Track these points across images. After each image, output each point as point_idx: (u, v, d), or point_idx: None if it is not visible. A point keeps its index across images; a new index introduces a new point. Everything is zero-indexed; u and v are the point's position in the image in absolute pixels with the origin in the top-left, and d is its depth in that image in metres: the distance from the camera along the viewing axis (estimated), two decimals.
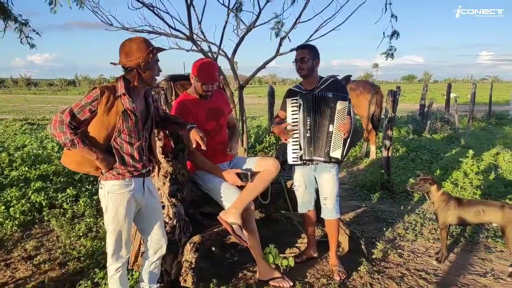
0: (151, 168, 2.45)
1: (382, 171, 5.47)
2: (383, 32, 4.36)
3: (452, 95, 13.88)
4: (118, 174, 2.19)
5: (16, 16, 5.47)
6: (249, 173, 2.88)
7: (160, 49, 2.24)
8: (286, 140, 3.09)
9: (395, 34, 4.30)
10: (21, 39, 5.62)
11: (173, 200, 2.79)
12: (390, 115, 5.46)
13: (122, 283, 2.36)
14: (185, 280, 2.75)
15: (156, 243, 2.47)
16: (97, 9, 4.72)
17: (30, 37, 5.70)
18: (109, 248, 2.27)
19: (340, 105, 2.90)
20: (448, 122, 11.04)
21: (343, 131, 2.87)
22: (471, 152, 5.88)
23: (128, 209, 2.23)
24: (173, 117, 2.65)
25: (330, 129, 2.93)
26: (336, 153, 2.93)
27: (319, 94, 2.97)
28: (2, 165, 5.99)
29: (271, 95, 9.77)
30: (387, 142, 5.39)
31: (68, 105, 2.18)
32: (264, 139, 8.78)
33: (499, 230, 3.28)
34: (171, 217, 2.77)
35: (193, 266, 2.75)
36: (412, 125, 10.59)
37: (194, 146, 2.59)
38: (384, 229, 4.01)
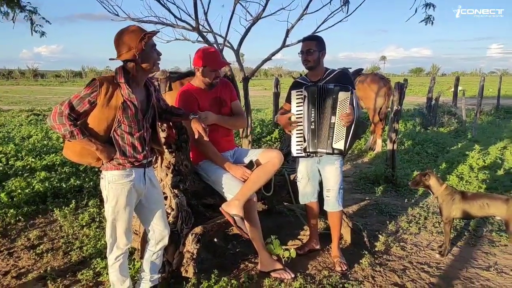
0: (152, 159, 2.45)
1: (387, 164, 5.44)
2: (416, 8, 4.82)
3: (459, 88, 13.75)
4: (119, 164, 2.19)
5: (25, 5, 5.45)
6: (253, 160, 2.92)
7: (153, 34, 2.18)
8: (290, 131, 3.07)
9: (429, 5, 4.74)
10: (33, 28, 5.60)
11: (176, 191, 2.79)
12: (396, 108, 5.40)
13: (122, 273, 2.37)
14: (186, 271, 2.76)
15: (159, 234, 2.47)
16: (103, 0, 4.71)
17: (40, 25, 5.69)
18: (109, 237, 2.28)
19: (342, 96, 2.87)
20: (455, 116, 10.94)
21: (345, 122, 2.84)
22: (477, 146, 5.82)
23: (129, 199, 2.23)
24: (174, 108, 2.63)
25: (333, 120, 2.90)
26: (339, 144, 2.90)
27: (323, 86, 2.94)
28: (8, 155, 6.04)
29: (277, 87, 9.75)
30: (393, 135, 5.35)
31: (67, 96, 2.17)
32: (269, 131, 8.76)
33: (503, 223, 3.25)
34: (173, 208, 2.78)
35: (194, 257, 2.75)
36: (419, 119, 10.50)
37: (196, 136, 2.57)
38: (387, 222, 3.98)
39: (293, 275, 2.88)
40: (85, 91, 2.07)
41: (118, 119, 2.13)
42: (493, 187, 4.99)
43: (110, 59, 2.18)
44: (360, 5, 4.81)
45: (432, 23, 4.85)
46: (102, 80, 2.09)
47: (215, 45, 4.86)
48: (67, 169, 5.41)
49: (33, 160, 5.77)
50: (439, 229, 3.79)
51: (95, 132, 2.12)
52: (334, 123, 2.90)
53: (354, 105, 2.87)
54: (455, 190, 3.33)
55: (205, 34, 4.87)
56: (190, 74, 4.04)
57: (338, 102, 2.88)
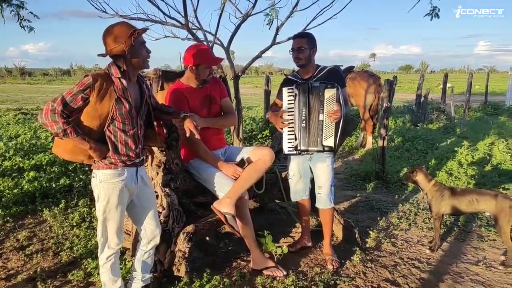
0: (144, 157, 2.43)
1: (377, 160, 5.47)
2: None
3: (448, 85, 13.91)
4: (111, 163, 2.16)
5: None
6: (244, 158, 2.91)
7: (142, 30, 2.16)
8: (281, 129, 3.07)
9: None
10: (20, 22, 5.46)
11: (167, 189, 2.77)
12: (386, 105, 5.44)
13: (114, 272, 2.35)
14: (178, 270, 2.75)
15: (150, 233, 2.46)
16: None
17: (28, 20, 5.56)
18: (100, 237, 2.26)
19: (328, 93, 2.87)
20: (444, 112, 11.05)
21: (333, 119, 2.85)
22: (466, 142, 5.88)
23: (120, 199, 2.21)
24: (164, 107, 2.61)
25: (321, 118, 2.91)
26: (329, 142, 2.91)
27: (311, 84, 2.94)
28: None
29: (268, 85, 9.75)
30: (383, 132, 5.38)
31: (56, 95, 2.14)
32: (260, 129, 8.75)
33: (492, 219, 3.29)
34: (164, 207, 2.76)
35: (186, 255, 2.74)
36: (409, 115, 10.59)
37: (188, 135, 2.56)
38: (378, 218, 4.01)
39: (285, 273, 2.89)
40: (78, 87, 2.03)
41: (112, 116, 2.10)
42: (482, 183, 5.05)
43: (99, 55, 2.16)
44: (349, 2, 4.82)
45: (438, 16, 4.71)
46: (95, 76, 2.06)
47: (204, 43, 4.84)
48: (56, 169, 5.34)
49: (21, 159, 5.69)
50: (429, 225, 3.83)
51: (88, 129, 2.09)
52: (323, 120, 2.90)
53: (342, 102, 2.87)
54: (444, 186, 3.36)
55: (194, 31, 4.85)
56: (178, 75, 4.00)
57: (325, 100, 2.88)
